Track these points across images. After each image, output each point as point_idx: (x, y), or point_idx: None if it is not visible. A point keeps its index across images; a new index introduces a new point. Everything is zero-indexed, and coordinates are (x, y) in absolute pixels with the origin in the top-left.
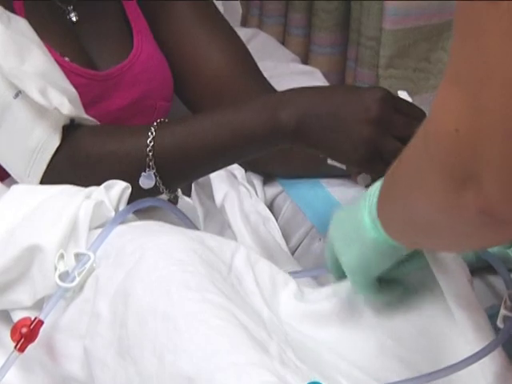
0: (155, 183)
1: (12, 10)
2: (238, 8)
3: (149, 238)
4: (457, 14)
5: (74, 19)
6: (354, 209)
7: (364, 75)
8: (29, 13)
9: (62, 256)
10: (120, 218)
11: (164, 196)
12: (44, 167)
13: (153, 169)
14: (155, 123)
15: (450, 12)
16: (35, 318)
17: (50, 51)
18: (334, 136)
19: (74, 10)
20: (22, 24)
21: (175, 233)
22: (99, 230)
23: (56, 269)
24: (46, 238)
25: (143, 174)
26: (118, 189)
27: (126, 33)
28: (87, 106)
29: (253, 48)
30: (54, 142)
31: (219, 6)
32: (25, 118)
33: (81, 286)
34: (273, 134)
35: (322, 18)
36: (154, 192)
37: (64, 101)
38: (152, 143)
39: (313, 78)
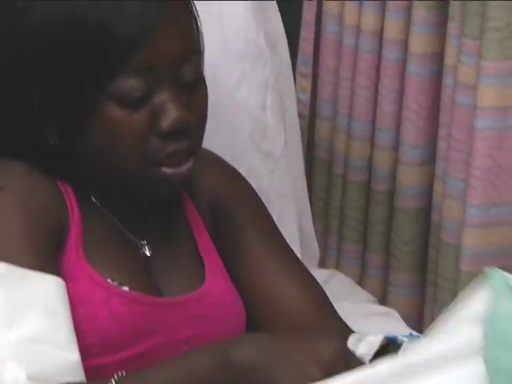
0: None
1: (67, 231)
2: (316, 250)
3: None
4: None
5: (147, 254)
6: None
7: None
8: (89, 241)
9: None
10: None
11: None
12: None
13: None
14: (115, 376)
15: None
16: None
17: (102, 283)
18: (282, 370)
19: (147, 244)
20: (42, 283)
21: None
22: None
23: None
24: None
25: None
26: None
27: (199, 266)
28: (150, 333)
29: (330, 289)
30: None
31: (296, 247)
32: None
33: None
34: (223, 371)
35: (399, 259)
36: None
37: (19, 377)
38: None
39: (390, 319)
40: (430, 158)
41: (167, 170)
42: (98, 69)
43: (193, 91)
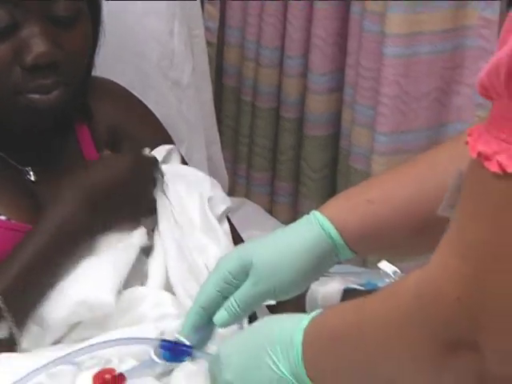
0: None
1: None
2: (225, 178)
3: None
4: (468, 192)
5: (32, 179)
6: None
7: None
8: None
9: None
10: None
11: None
12: None
13: None
14: None
15: None
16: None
17: None
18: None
19: (32, 170)
20: None
21: None
22: None
23: None
24: None
25: None
26: None
27: None
28: None
29: (240, 217)
30: None
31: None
32: None
33: None
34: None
35: (308, 186)
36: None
37: None
38: None
39: None
40: (338, 86)
41: (34, 96)
42: None
43: (68, 28)
